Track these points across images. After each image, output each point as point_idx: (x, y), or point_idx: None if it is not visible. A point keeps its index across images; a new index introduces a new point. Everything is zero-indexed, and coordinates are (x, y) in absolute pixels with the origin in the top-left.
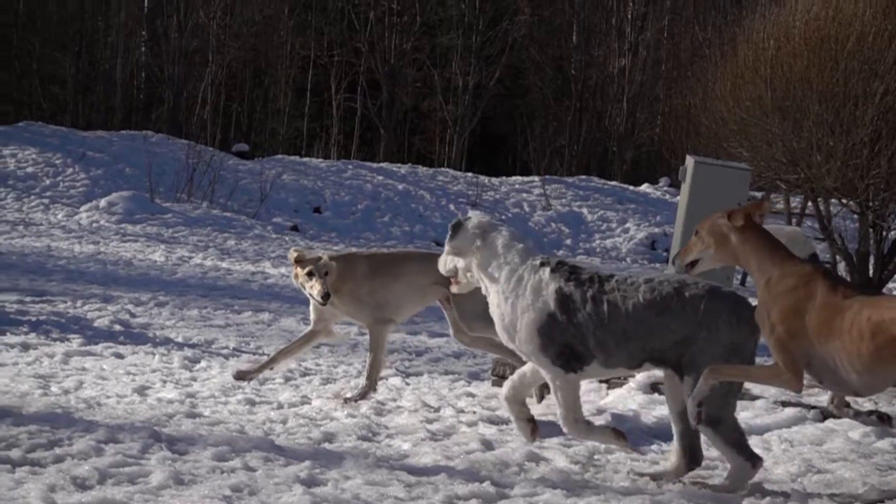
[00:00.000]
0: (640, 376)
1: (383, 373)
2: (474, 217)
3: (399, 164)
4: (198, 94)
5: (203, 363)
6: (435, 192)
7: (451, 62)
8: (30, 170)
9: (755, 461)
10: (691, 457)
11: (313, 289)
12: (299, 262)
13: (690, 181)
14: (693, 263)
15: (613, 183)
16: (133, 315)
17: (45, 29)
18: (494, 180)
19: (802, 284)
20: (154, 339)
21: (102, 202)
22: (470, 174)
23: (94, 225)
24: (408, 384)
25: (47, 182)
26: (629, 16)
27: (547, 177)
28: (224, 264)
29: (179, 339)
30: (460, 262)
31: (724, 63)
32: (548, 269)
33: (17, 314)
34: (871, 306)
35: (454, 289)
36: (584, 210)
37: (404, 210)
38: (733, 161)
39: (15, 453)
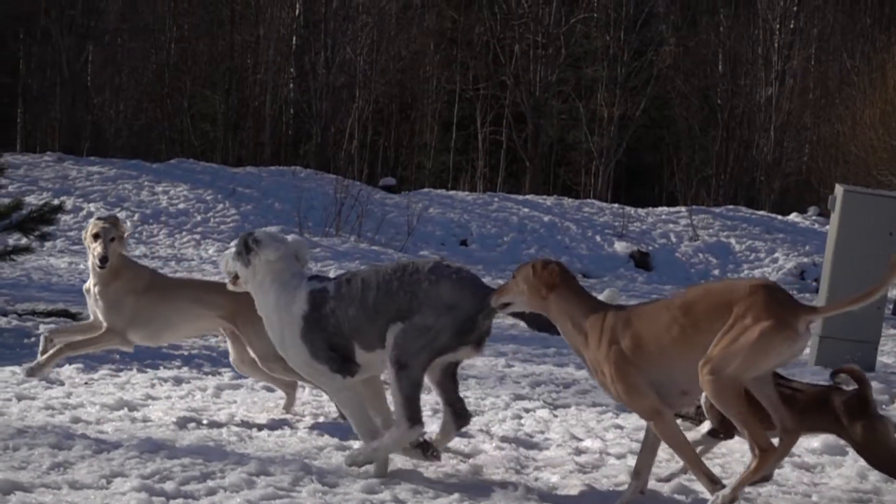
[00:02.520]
0: None
1: (530, 405)
2: (260, 234)
3: (545, 196)
4: (345, 129)
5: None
6: (581, 223)
7: (597, 93)
8: (181, 206)
9: (415, 424)
10: (457, 413)
11: (94, 250)
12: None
13: (840, 210)
14: (507, 304)
15: (761, 212)
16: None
17: (195, 68)
18: (641, 211)
19: (604, 321)
20: None
21: None
22: (616, 205)
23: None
24: (556, 416)
25: (198, 218)
26: (776, 44)
27: (693, 207)
28: None
29: None
30: (241, 270)
31: (874, 90)
32: (306, 280)
33: (169, 349)
34: (669, 308)
35: (231, 287)
36: (732, 240)
37: (550, 242)
38: (884, 189)
39: (169, 486)
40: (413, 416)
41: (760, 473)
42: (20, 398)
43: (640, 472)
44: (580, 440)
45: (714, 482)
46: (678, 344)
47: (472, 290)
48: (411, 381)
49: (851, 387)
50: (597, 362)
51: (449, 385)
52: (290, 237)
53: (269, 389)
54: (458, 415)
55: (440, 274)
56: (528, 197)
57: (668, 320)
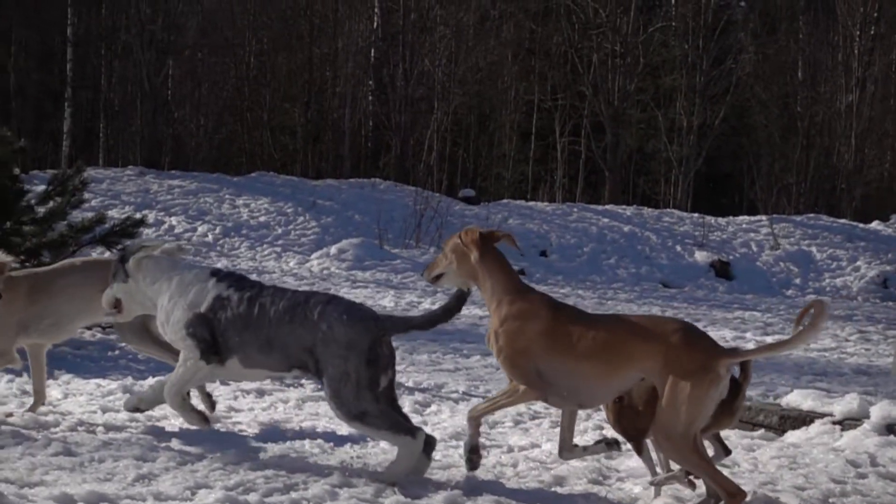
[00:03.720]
0: (876, 416)
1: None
2: (133, 249)
3: (624, 206)
4: (424, 140)
5: (433, 407)
6: (661, 233)
7: (676, 102)
8: (262, 219)
9: (415, 432)
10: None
11: None
12: None
13: None
14: (439, 277)
15: (843, 221)
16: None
17: (275, 81)
18: (721, 220)
19: (527, 310)
20: None
21: (333, 249)
22: (696, 214)
23: (325, 272)
24: None
25: (279, 231)
26: (856, 51)
27: (774, 215)
28: None
29: (410, 384)
30: (125, 292)
31: None
32: (215, 279)
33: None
34: (594, 327)
35: (119, 318)
36: (814, 248)
37: (630, 252)
38: None
39: (252, 497)
40: (407, 430)
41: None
42: (105, 410)
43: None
44: None
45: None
46: (592, 370)
47: (364, 326)
48: (377, 418)
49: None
50: (496, 334)
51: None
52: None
53: None
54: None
55: (331, 318)
56: (608, 207)
57: (591, 347)
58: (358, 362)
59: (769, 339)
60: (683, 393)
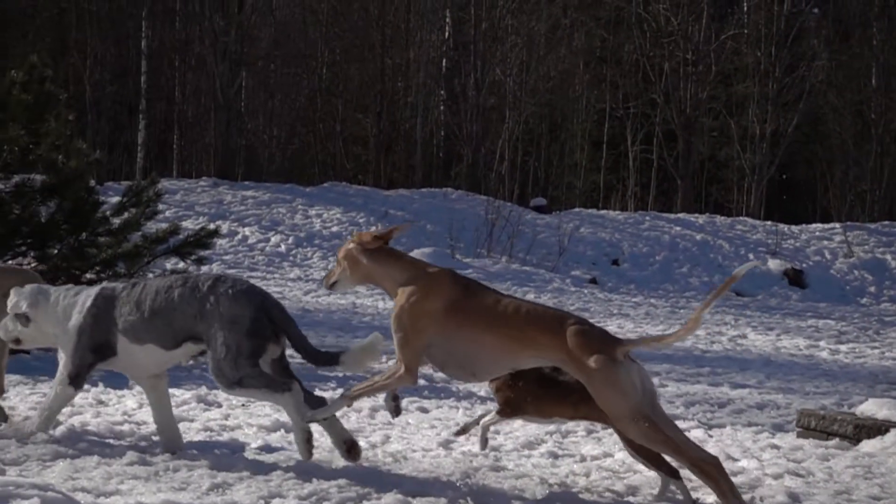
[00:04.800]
0: None
1: (685, 424)
2: (23, 294)
3: (697, 215)
4: (495, 150)
5: None
6: (734, 241)
7: (748, 110)
8: (334, 229)
9: (290, 384)
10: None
11: None
12: None
13: None
14: (334, 284)
15: None
16: (436, 370)
17: (347, 92)
18: (794, 228)
19: (432, 284)
20: (457, 393)
21: None
22: (769, 222)
23: None
24: (711, 436)
25: None
26: None
27: (848, 223)
28: None
29: (482, 393)
30: (27, 329)
31: None
32: (97, 288)
33: (325, 371)
34: (501, 303)
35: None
36: (888, 256)
37: (703, 260)
38: None
39: None
40: (283, 384)
41: (727, 482)
42: (179, 420)
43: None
44: (736, 460)
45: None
46: (494, 345)
47: (247, 299)
48: (253, 379)
49: None
50: (402, 310)
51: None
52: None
53: (424, 410)
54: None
55: (218, 293)
56: (680, 215)
57: (496, 323)
58: (240, 335)
59: (842, 348)
60: (602, 381)
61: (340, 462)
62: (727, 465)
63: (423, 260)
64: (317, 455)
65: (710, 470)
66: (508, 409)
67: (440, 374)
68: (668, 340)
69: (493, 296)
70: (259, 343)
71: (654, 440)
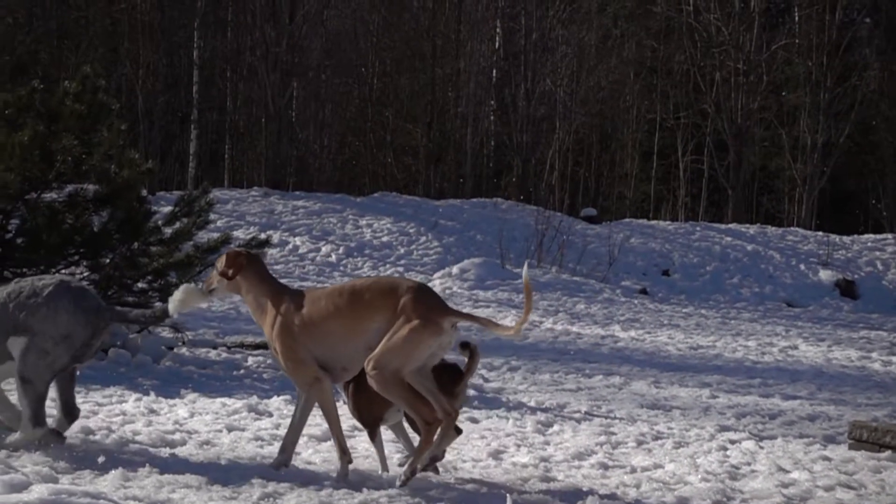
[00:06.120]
0: None
1: (736, 436)
2: None
3: (747, 225)
4: (546, 160)
5: (556, 427)
6: (785, 251)
7: (800, 120)
8: (385, 239)
9: (38, 426)
10: (68, 411)
11: None
12: None
13: None
14: (213, 290)
15: None
16: (486, 380)
17: (397, 102)
18: (846, 238)
19: (280, 303)
20: (507, 403)
21: (455, 269)
22: (820, 233)
23: (448, 291)
24: (762, 448)
25: (402, 251)
26: None
27: None
28: (574, 328)
29: (532, 403)
30: None
31: None
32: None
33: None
34: (338, 290)
35: None
36: None
37: (754, 271)
38: None
39: None
40: (38, 421)
41: (430, 445)
42: (230, 429)
43: (286, 447)
44: (787, 472)
45: (345, 453)
46: (342, 327)
47: (86, 320)
48: (36, 393)
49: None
50: (271, 338)
51: (66, 385)
52: None
53: (474, 421)
54: (69, 412)
55: (58, 303)
56: (731, 226)
57: (336, 305)
58: (65, 352)
59: (894, 360)
60: (403, 334)
61: (390, 472)
62: (778, 477)
63: (277, 283)
64: (366, 464)
65: (428, 431)
66: (370, 431)
67: (491, 385)
68: (496, 330)
69: (330, 288)
70: (74, 361)
71: (392, 394)
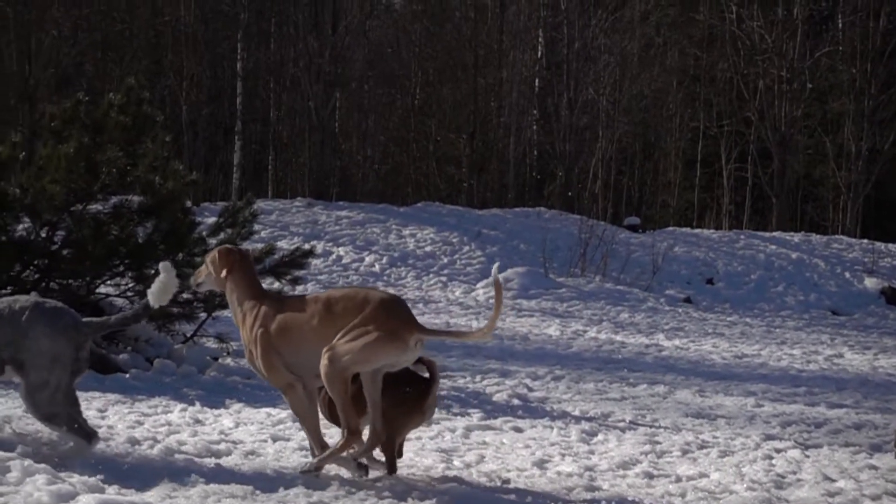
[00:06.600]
0: None
1: (781, 445)
2: None
3: (792, 233)
4: (589, 169)
5: (600, 436)
6: (829, 259)
7: (844, 127)
8: (428, 248)
9: (91, 437)
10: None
11: None
12: None
13: None
14: (200, 284)
15: None
16: (530, 389)
17: (440, 112)
18: (891, 246)
19: (261, 309)
20: (551, 412)
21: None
22: (865, 240)
23: (491, 301)
24: (807, 456)
25: (445, 260)
26: None
27: None
28: (618, 337)
29: (576, 413)
30: None
31: None
32: None
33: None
34: (316, 299)
35: None
36: None
37: (798, 279)
38: None
39: None
40: (85, 435)
41: (342, 451)
42: (275, 439)
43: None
44: (833, 481)
45: (322, 448)
46: (314, 335)
47: (66, 338)
48: (65, 420)
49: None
50: (247, 341)
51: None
52: None
53: (518, 430)
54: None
55: (36, 329)
56: (775, 234)
57: (311, 313)
58: (61, 373)
59: None
60: (366, 340)
61: (435, 481)
62: (824, 486)
63: (260, 287)
64: (411, 473)
65: (346, 440)
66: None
67: (535, 394)
68: (467, 338)
69: (309, 297)
70: (73, 378)
71: (332, 389)
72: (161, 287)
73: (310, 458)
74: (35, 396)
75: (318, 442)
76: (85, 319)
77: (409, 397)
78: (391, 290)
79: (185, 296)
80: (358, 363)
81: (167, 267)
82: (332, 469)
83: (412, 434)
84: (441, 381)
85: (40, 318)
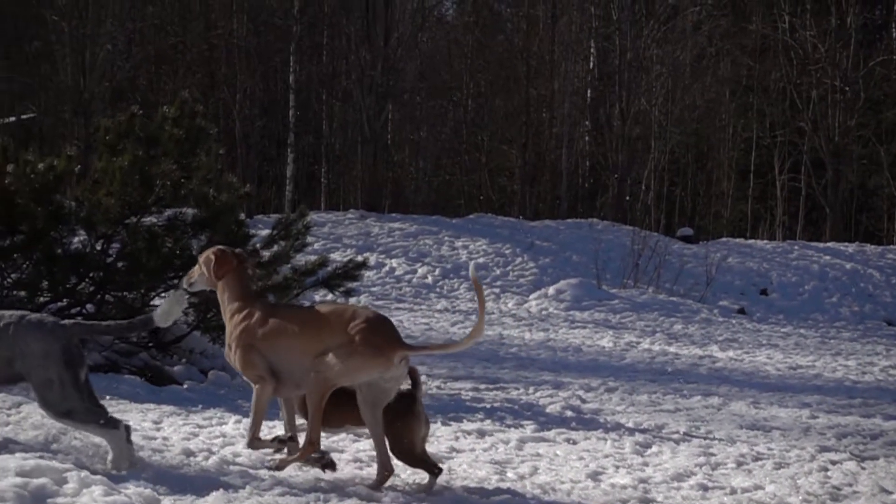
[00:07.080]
0: None
1: (837, 456)
2: None
3: (846, 244)
4: (641, 180)
5: (654, 448)
6: (885, 270)
7: None
8: (481, 260)
9: (117, 424)
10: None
11: None
12: None
13: None
14: (193, 284)
15: None
16: (584, 401)
17: (492, 123)
18: None
19: (249, 312)
20: (605, 424)
21: (551, 290)
22: None
23: (544, 312)
24: (863, 468)
25: (497, 272)
26: None
27: None
28: (671, 349)
29: (630, 424)
30: None
31: None
32: None
33: (472, 401)
34: (302, 311)
35: None
36: None
37: (853, 290)
38: None
39: None
40: (106, 423)
41: (299, 459)
42: (330, 451)
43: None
44: (890, 493)
45: (257, 440)
46: (298, 345)
47: (54, 337)
48: (83, 414)
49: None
50: (230, 339)
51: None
52: None
53: (572, 442)
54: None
55: (27, 336)
56: (829, 244)
57: (300, 324)
58: (55, 366)
59: None
60: (352, 355)
61: (489, 493)
62: (880, 498)
63: (251, 290)
64: (464, 485)
65: (304, 450)
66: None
67: (588, 406)
68: (451, 349)
69: (297, 308)
70: (75, 370)
71: (311, 396)
72: (169, 308)
73: (373, 473)
74: (46, 396)
75: (255, 434)
76: (69, 321)
77: (400, 410)
78: (444, 302)
79: None
80: (342, 376)
81: (179, 295)
82: (390, 481)
83: (465, 446)
84: (494, 391)
85: (27, 326)
